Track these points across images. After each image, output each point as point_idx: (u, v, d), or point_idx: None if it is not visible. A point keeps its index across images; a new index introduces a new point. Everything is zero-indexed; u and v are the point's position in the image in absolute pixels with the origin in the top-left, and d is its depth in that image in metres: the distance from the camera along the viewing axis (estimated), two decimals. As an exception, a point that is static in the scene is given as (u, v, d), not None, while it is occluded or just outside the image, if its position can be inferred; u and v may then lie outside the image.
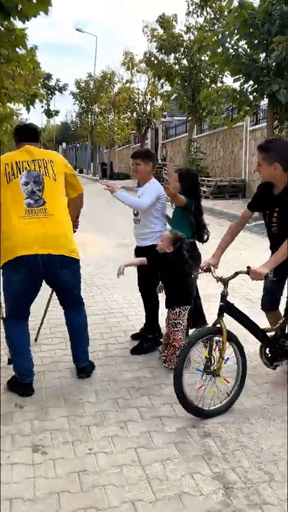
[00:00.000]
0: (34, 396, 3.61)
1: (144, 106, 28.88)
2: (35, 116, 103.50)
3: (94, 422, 3.26)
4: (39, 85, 29.06)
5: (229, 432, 3.13)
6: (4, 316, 3.74)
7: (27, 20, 9.13)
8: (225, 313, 3.40)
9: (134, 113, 29.35)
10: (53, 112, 39.49)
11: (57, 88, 36.85)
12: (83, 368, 3.91)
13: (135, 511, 2.45)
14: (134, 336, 4.71)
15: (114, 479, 2.68)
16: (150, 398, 3.57)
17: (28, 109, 15.35)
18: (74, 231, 4.04)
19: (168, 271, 4.07)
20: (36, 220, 3.51)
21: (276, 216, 3.63)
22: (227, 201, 16.81)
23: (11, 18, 8.75)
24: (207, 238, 4.49)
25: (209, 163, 22.00)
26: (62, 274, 3.64)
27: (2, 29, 9.15)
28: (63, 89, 37.78)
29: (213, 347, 3.36)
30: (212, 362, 3.37)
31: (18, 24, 8.66)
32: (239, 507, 2.47)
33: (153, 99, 28.47)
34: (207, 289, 6.21)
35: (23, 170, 3.59)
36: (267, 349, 3.79)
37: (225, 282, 3.42)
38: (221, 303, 3.40)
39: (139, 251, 4.52)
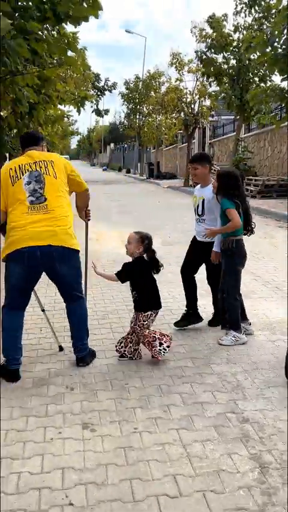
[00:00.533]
0: (84, 380, 3.87)
1: (192, 106, 28.94)
2: (84, 116, 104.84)
3: (139, 404, 3.49)
4: (89, 86, 29.65)
5: (267, 419, 3.28)
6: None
7: (78, 25, 9.52)
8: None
9: (182, 113, 29.47)
10: (103, 111, 40.10)
11: (106, 87, 37.41)
12: (82, 358, 4.14)
13: (176, 483, 2.65)
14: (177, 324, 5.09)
15: (157, 456, 2.89)
16: (192, 386, 3.76)
17: (79, 111, 15.78)
18: (88, 219, 4.62)
19: (145, 276, 4.26)
20: (38, 216, 3.80)
21: None
22: (275, 200, 16.74)
23: (63, 23, 9.16)
24: (251, 234, 4.79)
25: (257, 162, 21.90)
26: (62, 266, 3.87)
27: (54, 33, 9.56)
28: (113, 87, 38.29)
29: None
30: None
31: (68, 28, 9.02)
32: (273, 485, 2.63)
33: (202, 99, 28.51)
34: (249, 285, 6.36)
35: (25, 172, 3.92)
36: None
37: None
38: None
39: (200, 245, 4.96)
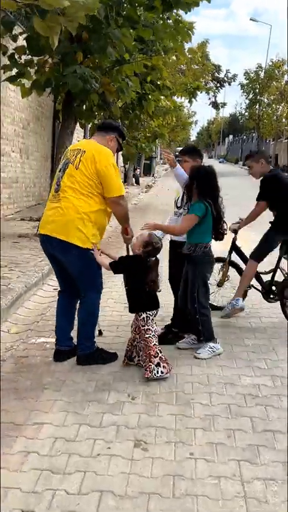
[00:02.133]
0: (148, 388, 3.58)
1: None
2: (203, 108, 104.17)
3: (202, 425, 3.12)
4: (208, 77, 29.17)
5: None
6: None
7: (189, 11, 9.17)
8: None
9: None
10: (220, 104, 39.36)
11: (226, 79, 36.57)
12: (78, 356, 4.00)
13: (223, 529, 2.28)
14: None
15: (210, 491, 2.53)
16: (267, 409, 3.32)
17: (190, 102, 15.47)
18: (127, 242, 4.27)
19: (136, 275, 3.80)
20: (52, 204, 3.80)
21: None
22: None
23: (174, 9, 8.90)
24: (222, 238, 4.38)
25: None
26: (63, 258, 3.81)
27: (170, 22, 9.32)
28: (233, 79, 37.40)
29: None
30: None
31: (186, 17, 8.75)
32: None
33: None
34: None
35: (64, 160, 3.90)
36: None
37: None
38: None
39: (175, 245, 4.45)
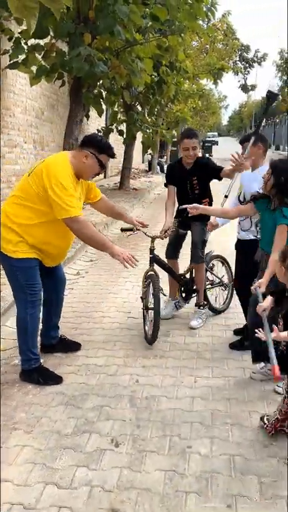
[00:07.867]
0: (136, 432, 2.95)
1: None
2: (235, 92, 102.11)
3: (196, 488, 2.48)
4: (235, 57, 28.08)
5: None
6: None
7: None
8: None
9: None
10: (250, 87, 38.00)
11: (255, 59, 35.17)
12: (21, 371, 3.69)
13: None
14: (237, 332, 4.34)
15: None
16: (280, 463, 2.64)
17: (215, 83, 14.65)
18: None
19: None
20: None
21: None
22: None
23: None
24: None
25: None
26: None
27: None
28: (263, 59, 35.94)
29: None
30: None
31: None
32: None
33: None
34: None
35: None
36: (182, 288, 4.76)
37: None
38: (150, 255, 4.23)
39: (243, 245, 4.04)
